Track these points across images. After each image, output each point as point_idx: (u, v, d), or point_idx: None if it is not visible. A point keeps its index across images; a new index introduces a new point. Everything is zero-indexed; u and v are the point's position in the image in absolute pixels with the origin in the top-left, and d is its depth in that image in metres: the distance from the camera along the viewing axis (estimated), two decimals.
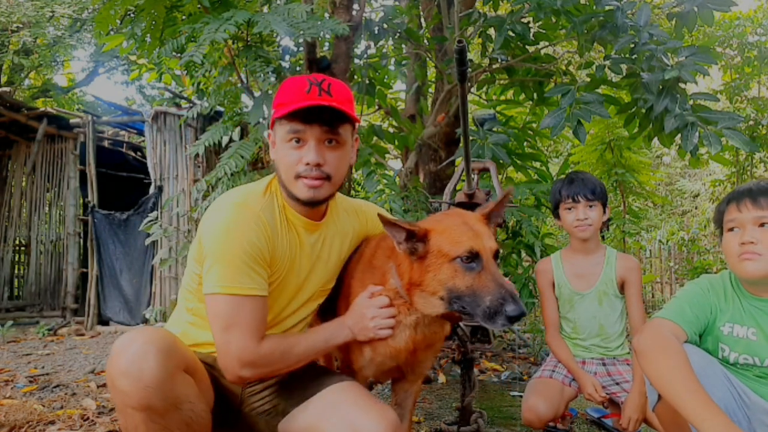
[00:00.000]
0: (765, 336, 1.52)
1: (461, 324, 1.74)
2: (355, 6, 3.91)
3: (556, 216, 2.44)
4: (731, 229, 1.55)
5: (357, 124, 1.59)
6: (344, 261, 1.72)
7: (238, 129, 4.26)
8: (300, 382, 1.56)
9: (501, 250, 1.45)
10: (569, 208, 2.34)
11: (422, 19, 5.17)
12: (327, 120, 1.46)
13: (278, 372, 1.50)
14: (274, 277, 1.51)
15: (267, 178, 1.62)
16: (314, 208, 1.56)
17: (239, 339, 1.38)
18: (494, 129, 3.49)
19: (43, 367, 3.92)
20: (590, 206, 2.31)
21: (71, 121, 7.05)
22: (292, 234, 1.56)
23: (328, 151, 1.49)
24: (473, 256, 1.36)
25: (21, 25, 9.01)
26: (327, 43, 4.30)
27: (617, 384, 2.28)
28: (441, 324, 1.60)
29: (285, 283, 1.55)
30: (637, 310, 2.30)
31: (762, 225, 1.50)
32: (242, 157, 3.62)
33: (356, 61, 4.23)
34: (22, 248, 7.44)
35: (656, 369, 1.42)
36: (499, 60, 3.86)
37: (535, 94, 4.23)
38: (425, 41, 4.72)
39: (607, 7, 3.12)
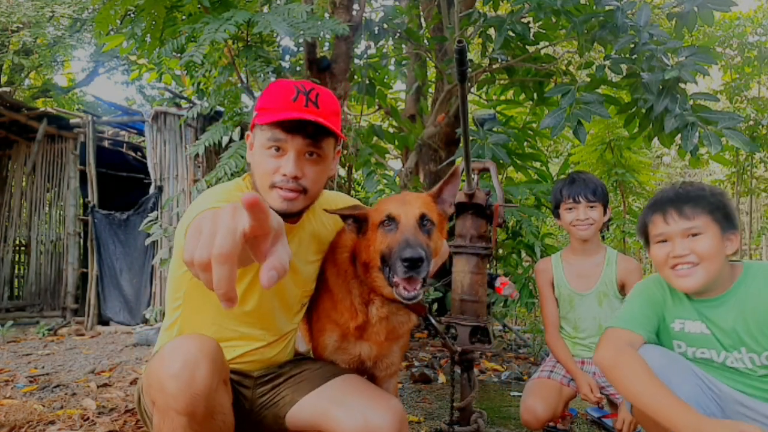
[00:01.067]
0: (716, 330, 1.53)
1: (432, 319, 1.74)
2: (355, 6, 3.91)
3: (557, 216, 2.44)
4: (661, 242, 1.54)
5: (342, 139, 1.56)
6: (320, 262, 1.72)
7: (238, 129, 4.26)
8: (307, 374, 1.57)
9: (427, 215, 1.48)
10: (570, 208, 2.34)
11: (422, 19, 5.18)
12: (310, 133, 1.42)
13: None
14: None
15: (238, 179, 1.61)
16: (286, 219, 1.52)
17: None
18: (494, 129, 3.49)
19: (43, 367, 3.91)
20: (591, 206, 2.31)
21: (71, 121, 7.05)
22: None
23: (308, 164, 1.45)
24: (390, 219, 1.46)
25: (21, 25, 9.01)
26: (327, 43, 4.31)
27: None
28: (407, 314, 1.62)
29: (264, 297, 1.54)
30: None
31: (691, 235, 1.49)
32: (242, 157, 3.62)
33: (356, 61, 4.23)
34: (22, 248, 7.44)
35: (621, 382, 1.46)
36: (499, 60, 3.86)
37: (535, 94, 4.23)
38: (425, 41, 4.72)
39: (607, 7, 3.12)
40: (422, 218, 1.47)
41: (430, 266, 1.41)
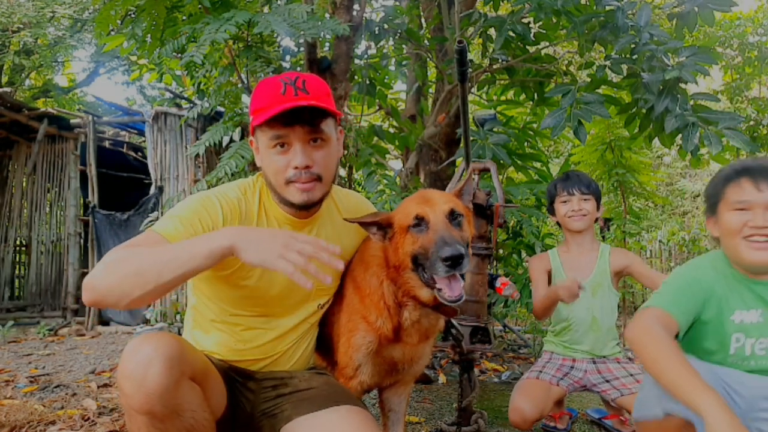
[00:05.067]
0: None
1: (455, 323, 1.74)
2: (356, 6, 3.91)
3: (551, 211, 2.50)
4: (740, 209, 1.47)
5: (339, 117, 1.57)
6: (347, 259, 1.71)
7: (238, 129, 4.26)
8: (313, 393, 1.54)
9: (456, 210, 1.47)
10: (564, 201, 2.42)
11: (423, 20, 5.17)
12: (308, 120, 1.44)
13: (126, 288, 1.22)
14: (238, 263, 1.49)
15: (253, 177, 1.62)
16: (309, 210, 1.55)
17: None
18: (495, 129, 3.49)
19: (43, 368, 3.92)
20: (585, 199, 2.39)
21: (72, 121, 7.06)
22: (271, 227, 1.55)
23: (314, 150, 1.47)
24: (419, 220, 1.44)
25: (22, 26, 9.02)
26: (327, 44, 4.30)
27: (607, 381, 2.34)
28: (435, 317, 1.61)
29: (270, 278, 1.54)
30: (654, 278, 2.27)
31: None
32: (243, 157, 3.63)
33: (357, 61, 4.23)
34: (23, 248, 7.44)
35: (647, 357, 1.40)
36: (500, 60, 3.85)
37: (535, 95, 4.22)
38: (426, 41, 4.72)
39: (607, 8, 3.12)
40: (452, 213, 1.45)
41: (469, 260, 1.39)
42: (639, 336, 1.42)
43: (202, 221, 1.42)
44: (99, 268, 1.26)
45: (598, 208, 2.43)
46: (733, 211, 1.49)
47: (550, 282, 2.47)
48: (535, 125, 4.52)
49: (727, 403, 1.31)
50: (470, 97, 4.66)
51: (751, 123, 6.79)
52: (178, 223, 1.39)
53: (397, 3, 5.18)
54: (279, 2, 4.08)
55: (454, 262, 1.31)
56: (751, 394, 1.47)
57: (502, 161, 3.31)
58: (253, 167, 3.87)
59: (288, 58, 4.27)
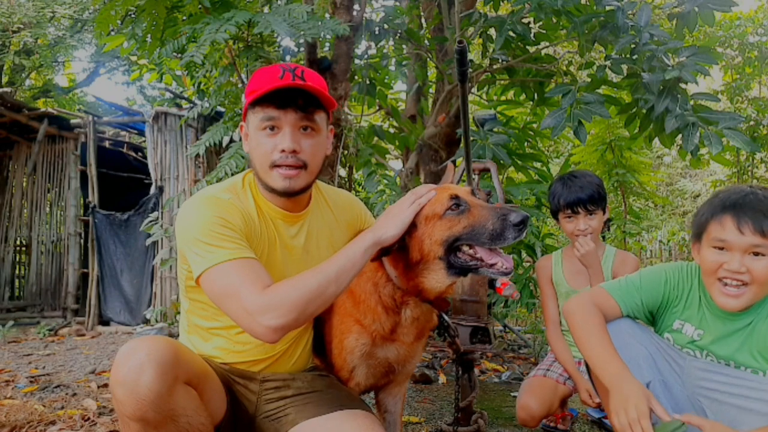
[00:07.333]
0: (710, 339, 1.53)
1: (446, 318, 1.73)
2: (356, 6, 3.91)
3: (556, 219, 2.44)
4: (719, 248, 1.42)
5: (331, 112, 1.56)
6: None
7: (238, 129, 4.27)
8: (317, 397, 1.53)
9: (476, 193, 1.54)
10: (569, 219, 2.32)
11: (423, 20, 5.17)
12: (302, 106, 1.44)
13: (306, 311, 1.30)
14: None
15: (240, 175, 1.61)
16: (291, 198, 1.52)
17: (244, 297, 1.29)
18: (495, 129, 3.49)
19: (43, 368, 3.92)
20: (590, 216, 2.29)
21: (72, 121, 7.06)
22: (267, 226, 1.53)
23: (303, 138, 1.46)
24: (457, 201, 1.43)
25: (22, 26, 9.02)
26: (327, 44, 4.30)
27: None
28: (430, 312, 1.61)
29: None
30: None
31: (753, 253, 1.38)
32: (243, 157, 3.63)
33: (357, 61, 4.23)
34: (23, 248, 7.45)
35: (573, 327, 1.53)
36: (500, 60, 3.85)
37: (535, 95, 4.23)
38: (426, 42, 4.72)
39: (607, 8, 3.12)
40: (472, 194, 1.50)
41: None
42: (572, 310, 1.55)
43: (234, 229, 1.40)
44: (270, 313, 1.27)
45: (604, 212, 2.34)
46: (712, 248, 1.44)
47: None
48: (535, 125, 4.52)
49: (666, 378, 1.47)
50: (470, 97, 4.65)
51: (751, 123, 6.79)
52: (235, 243, 1.37)
53: (397, 3, 5.18)
54: (279, 2, 4.08)
55: (525, 225, 1.35)
56: (689, 367, 1.54)
57: (502, 161, 3.31)
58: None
59: (288, 58, 4.27)
